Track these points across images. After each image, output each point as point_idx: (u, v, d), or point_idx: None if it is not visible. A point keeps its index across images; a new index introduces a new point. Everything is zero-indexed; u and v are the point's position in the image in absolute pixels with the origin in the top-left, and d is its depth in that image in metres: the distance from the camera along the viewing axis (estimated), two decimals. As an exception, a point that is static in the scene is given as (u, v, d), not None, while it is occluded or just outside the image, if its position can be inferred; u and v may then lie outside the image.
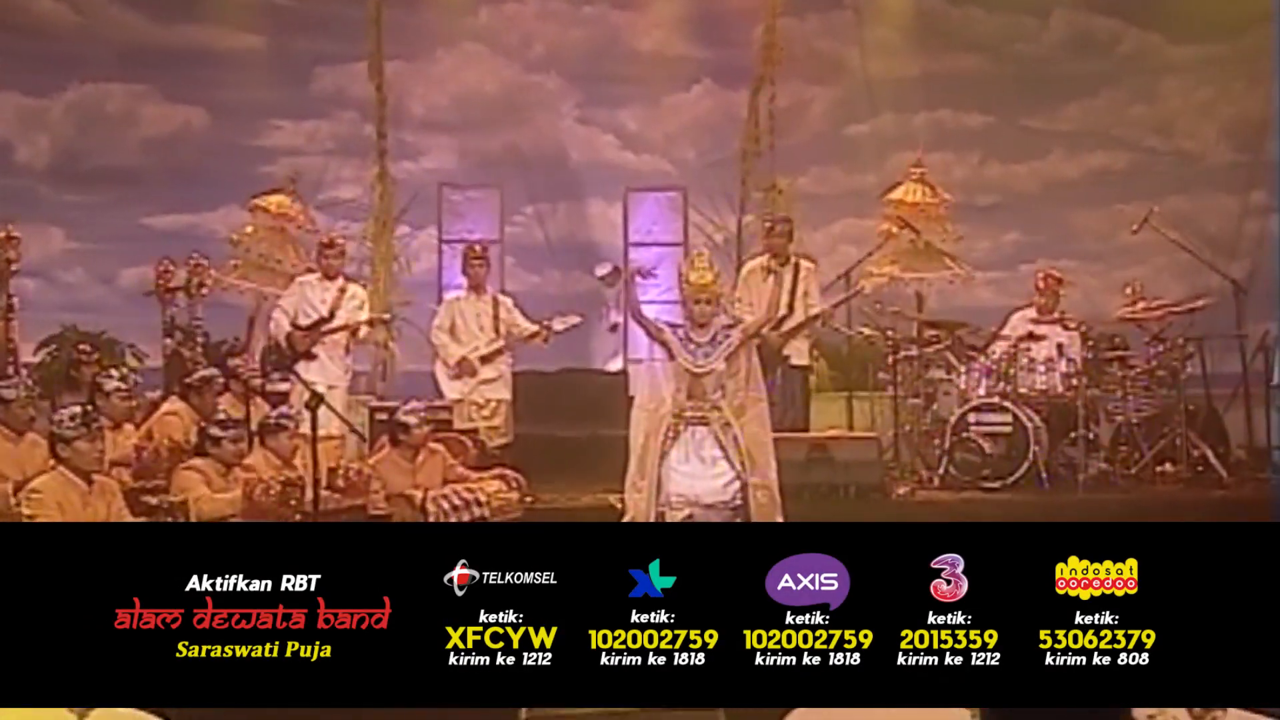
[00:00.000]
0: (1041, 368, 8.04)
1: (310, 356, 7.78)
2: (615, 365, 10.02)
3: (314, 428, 5.71)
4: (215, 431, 6.06)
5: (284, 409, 6.62)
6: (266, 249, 8.89)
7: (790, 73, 10.58)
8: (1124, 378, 8.10)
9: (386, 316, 8.49)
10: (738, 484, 5.68)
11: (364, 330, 8.08)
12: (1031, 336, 8.14)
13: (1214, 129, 10.87)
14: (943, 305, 9.17)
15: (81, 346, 8.34)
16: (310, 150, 10.73)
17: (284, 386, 7.19)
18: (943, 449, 7.93)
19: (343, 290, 8.02)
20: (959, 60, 10.98)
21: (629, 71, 11.04)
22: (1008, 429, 7.83)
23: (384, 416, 6.95)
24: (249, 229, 9.06)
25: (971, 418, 7.92)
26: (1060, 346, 8.08)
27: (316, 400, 5.87)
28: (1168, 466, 7.99)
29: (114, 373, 6.83)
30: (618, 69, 11.05)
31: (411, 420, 6.71)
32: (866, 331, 8.69)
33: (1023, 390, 8.01)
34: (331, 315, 7.89)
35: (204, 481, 5.87)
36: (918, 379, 8.33)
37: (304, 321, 7.86)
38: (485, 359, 7.99)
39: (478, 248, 8.37)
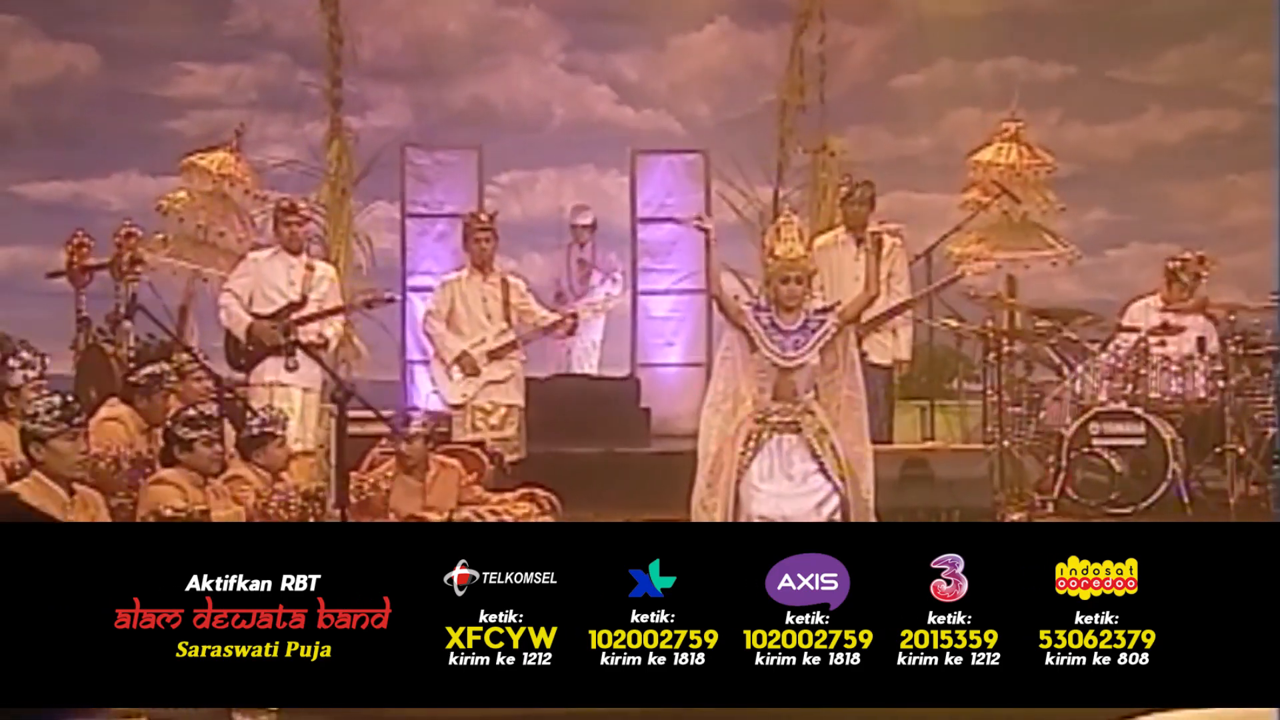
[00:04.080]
0: (1176, 367, 8.60)
1: (279, 351, 8.13)
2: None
3: (340, 427, 6.17)
4: (186, 433, 6.40)
5: (270, 412, 7.10)
6: (206, 219, 9.27)
7: (825, 10, 11.09)
8: (1272, 380, 8.59)
9: (389, 295, 8.90)
10: (836, 501, 5.97)
11: (336, 322, 8.40)
12: (1166, 328, 8.69)
13: (1346, 81, 11.61)
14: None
15: None
16: (229, 102, 11.38)
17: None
18: (1059, 466, 8.45)
19: (310, 268, 8.40)
20: (1032, -4, 11.63)
21: (627, 7, 11.70)
22: (1140, 442, 8.39)
23: (358, 430, 7.37)
24: (182, 194, 9.43)
25: (1094, 429, 8.45)
26: (1201, 341, 8.61)
27: (345, 394, 6.37)
28: (1333, 490, 8.42)
29: (12, 361, 6.86)
30: (613, 4, 11.69)
31: (413, 429, 7.33)
32: (954, 324, 9.13)
33: (1153, 395, 8.56)
34: (304, 299, 8.27)
35: (180, 497, 6.28)
36: (1020, 382, 8.88)
37: (265, 308, 8.21)
38: (494, 354, 8.50)
39: (483, 217, 8.83)
